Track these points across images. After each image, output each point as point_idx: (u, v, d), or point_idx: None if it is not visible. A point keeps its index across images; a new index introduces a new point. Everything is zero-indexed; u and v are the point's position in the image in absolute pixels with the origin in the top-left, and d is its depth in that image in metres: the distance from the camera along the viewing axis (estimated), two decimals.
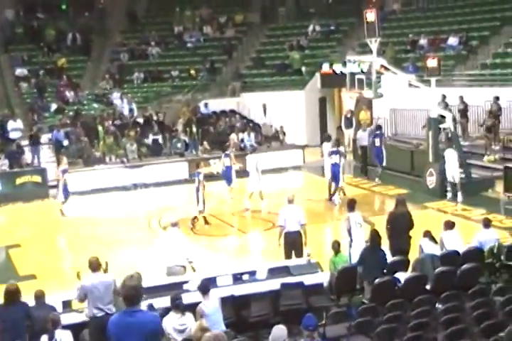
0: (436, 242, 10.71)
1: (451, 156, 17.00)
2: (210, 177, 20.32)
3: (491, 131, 19.38)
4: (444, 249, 10.60)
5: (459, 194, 16.76)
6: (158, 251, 11.71)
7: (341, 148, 17.79)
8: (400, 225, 11.55)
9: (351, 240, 11.39)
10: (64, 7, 31.99)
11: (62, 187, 17.79)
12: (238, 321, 9.36)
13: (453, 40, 24.56)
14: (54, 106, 25.29)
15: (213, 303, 8.38)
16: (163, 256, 11.21)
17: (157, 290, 9.74)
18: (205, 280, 9.17)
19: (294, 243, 11.91)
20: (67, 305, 9.45)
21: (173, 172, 21.09)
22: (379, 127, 20.26)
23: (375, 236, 10.36)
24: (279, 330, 6.74)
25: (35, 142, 21.65)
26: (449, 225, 10.98)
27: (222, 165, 18.12)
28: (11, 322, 8.07)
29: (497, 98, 19.44)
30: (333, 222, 16.00)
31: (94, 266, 8.81)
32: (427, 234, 10.80)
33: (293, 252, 11.89)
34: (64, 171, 18.04)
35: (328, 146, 18.03)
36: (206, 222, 16.05)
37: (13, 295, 8.20)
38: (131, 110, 24.81)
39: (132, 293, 5.58)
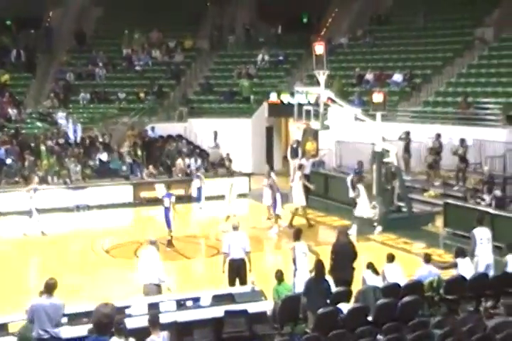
0: (378, 274, 10.94)
1: (362, 192, 17.50)
2: (154, 201, 20.33)
3: (432, 167, 19.99)
4: (385, 281, 10.83)
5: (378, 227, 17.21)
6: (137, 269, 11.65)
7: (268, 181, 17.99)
8: (344, 256, 11.73)
9: (296, 269, 11.48)
10: (8, 23, 31.57)
11: (35, 206, 17.54)
12: None
13: (397, 77, 25.31)
14: None
15: (162, 338, 8.23)
16: (140, 275, 11.26)
17: None
18: (156, 312, 9.04)
19: (238, 270, 12.00)
20: (2, 328, 9.23)
21: (118, 194, 20.92)
22: (322, 163, 20.68)
23: (320, 267, 10.49)
24: None
25: None
26: (390, 258, 11.25)
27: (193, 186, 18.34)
28: None
29: (438, 135, 20.09)
30: (278, 251, 16.10)
31: (51, 287, 8.60)
32: (370, 266, 11.02)
33: (237, 279, 11.95)
34: (35, 190, 17.84)
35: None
36: (170, 244, 15.98)
37: None
38: (75, 131, 24.51)
39: (105, 321, 5.46)
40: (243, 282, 11.81)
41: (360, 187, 17.45)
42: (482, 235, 11.97)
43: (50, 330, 8.47)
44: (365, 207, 17.31)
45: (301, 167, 18.56)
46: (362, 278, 10.99)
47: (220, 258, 12.56)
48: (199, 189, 19.13)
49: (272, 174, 18.48)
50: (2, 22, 31.08)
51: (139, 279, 11.27)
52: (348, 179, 18.34)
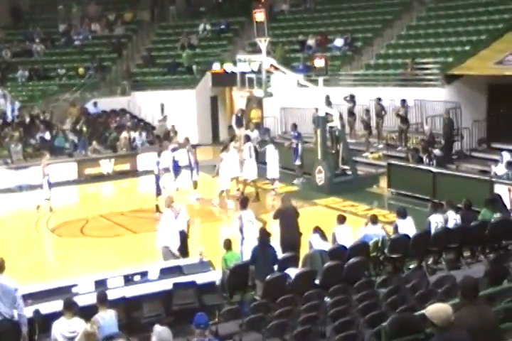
0: (325, 238, 10.98)
1: (271, 153, 17.65)
2: (99, 177, 20.05)
3: (369, 128, 20.16)
4: (336, 243, 10.89)
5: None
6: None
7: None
8: (289, 222, 11.78)
9: (243, 238, 11.50)
10: None
11: (48, 183, 17.09)
12: (130, 323, 9.22)
13: (339, 41, 25.27)
14: None
15: (110, 315, 8.12)
16: (158, 237, 11.44)
17: (44, 295, 9.46)
18: (103, 289, 8.94)
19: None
20: None
21: (62, 172, 20.48)
22: (267, 130, 20.59)
23: (264, 234, 10.49)
24: (165, 332, 6.67)
25: None
26: (341, 219, 11.31)
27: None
28: None
29: (379, 99, 20.21)
30: (225, 220, 16.09)
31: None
32: (317, 230, 11.05)
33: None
34: (44, 165, 17.44)
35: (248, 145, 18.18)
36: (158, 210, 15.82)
37: None
38: (13, 109, 23.86)
39: None
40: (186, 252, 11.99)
41: (271, 147, 17.61)
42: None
43: (2, 311, 8.28)
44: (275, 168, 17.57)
45: (248, 139, 18.39)
46: (309, 242, 11.04)
47: None
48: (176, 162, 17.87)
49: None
50: None
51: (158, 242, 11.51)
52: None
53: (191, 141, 19.91)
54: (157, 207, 15.91)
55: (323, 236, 11.00)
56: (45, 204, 17.06)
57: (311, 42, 25.78)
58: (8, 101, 24.32)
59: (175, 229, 11.66)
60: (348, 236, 11.11)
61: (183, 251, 11.91)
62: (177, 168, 17.81)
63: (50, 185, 17.26)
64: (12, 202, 19.05)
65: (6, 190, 19.68)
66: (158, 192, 16.24)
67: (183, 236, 12.03)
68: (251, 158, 17.55)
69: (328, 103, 19.69)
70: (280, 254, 10.65)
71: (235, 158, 17.57)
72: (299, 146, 18.91)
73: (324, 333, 7.84)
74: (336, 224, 11.29)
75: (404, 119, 19.36)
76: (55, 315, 8.08)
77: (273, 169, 18.03)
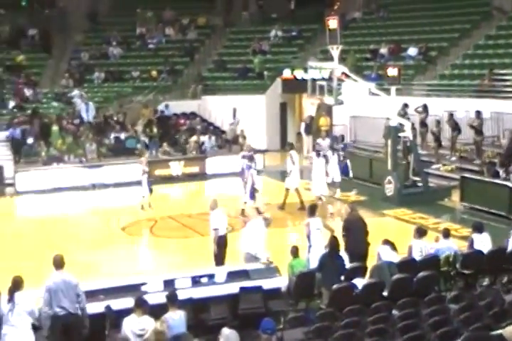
0: (396, 250, 10.83)
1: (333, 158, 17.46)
2: (168, 179, 20.41)
3: (438, 140, 19.83)
4: (412, 255, 10.70)
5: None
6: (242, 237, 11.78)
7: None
8: (357, 231, 11.68)
9: (310, 245, 11.47)
10: (24, 3, 31.53)
11: (144, 179, 17.56)
12: (197, 324, 9.33)
13: (413, 50, 24.97)
14: (12, 104, 24.85)
15: (179, 315, 8.26)
16: (242, 242, 11.47)
17: (115, 292, 9.67)
18: (174, 290, 9.08)
19: (226, 245, 12.29)
20: None
21: (133, 172, 20.88)
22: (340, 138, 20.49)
23: (334, 243, 10.45)
24: (233, 335, 6.74)
25: None
26: (421, 233, 11.09)
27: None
28: None
29: (451, 115, 19.83)
30: (293, 227, 16.09)
31: (58, 263, 8.68)
32: (387, 243, 10.91)
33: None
34: (142, 163, 17.87)
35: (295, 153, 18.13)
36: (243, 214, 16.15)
37: None
38: (88, 110, 24.47)
39: None
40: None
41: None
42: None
43: (67, 306, 8.52)
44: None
45: (318, 151, 18.14)
46: (377, 253, 10.91)
47: (233, 235, 12.58)
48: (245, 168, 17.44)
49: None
50: (17, 3, 31.01)
51: (241, 247, 11.50)
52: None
53: (260, 146, 20.13)
54: (243, 211, 16.06)
55: (394, 248, 10.85)
56: (144, 200, 17.33)
57: (383, 50, 25.58)
58: (84, 101, 24.94)
59: (260, 235, 11.61)
60: (427, 251, 10.88)
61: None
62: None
63: (150, 183, 17.56)
64: (85, 199, 19.59)
65: (80, 187, 20.25)
66: (252, 197, 16.38)
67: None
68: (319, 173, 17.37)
69: (405, 112, 19.46)
70: (347, 264, 10.60)
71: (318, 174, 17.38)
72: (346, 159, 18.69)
73: None
74: (412, 237, 11.05)
75: (478, 131, 18.92)
76: (125, 312, 8.26)
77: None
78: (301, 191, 17.37)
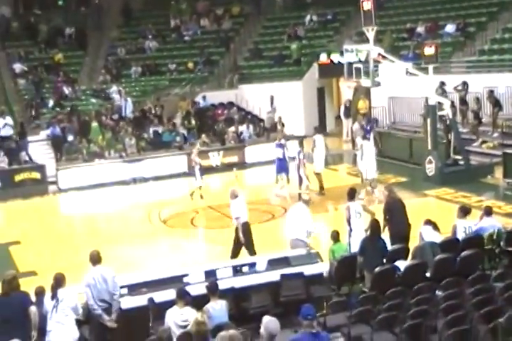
0: (438, 230, 10.61)
1: (368, 149, 16.89)
2: (209, 169, 20.44)
3: (479, 118, 19.36)
4: (456, 235, 10.46)
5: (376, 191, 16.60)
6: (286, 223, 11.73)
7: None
8: (398, 213, 11.48)
9: (351, 229, 11.34)
10: (60, 3, 31.94)
11: (196, 170, 17.66)
12: (238, 313, 9.30)
13: (450, 27, 24.39)
14: (51, 102, 25.21)
15: (220, 305, 8.27)
16: (287, 229, 11.39)
17: (157, 284, 9.72)
18: (214, 280, 9.10)
19: (249, 232, 12.25)
20: None
21: (173, 165, 21.04)
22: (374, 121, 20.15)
23: (375, 226, 10.30)
24: (272, 323, 6.67)
25: (21, 138, 21.73)
26: (465, 211, 10.81)
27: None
28: (10, 311, 7.89)
29: (491, 91, 19.31)
30: (332, 212, 15.94)
31: (95, 259, 8.83)
32: (429, 223, 10.70)
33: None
34: (195, 154, 17.96)
35: (320, 138, 17.96)
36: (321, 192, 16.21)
37: (9, 284, 8.05)
38: (127, 104, 24.64)
39: None
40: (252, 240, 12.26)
41: (367, 143, 16.99)
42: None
43: (107, 299, 8.66)
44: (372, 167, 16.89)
45: (365, 135, 17.75)
46: (419, 234, 10.70)
47: (274, 223, 12.50)
48: (279, 159, 17.47)
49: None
50: (54, 2, 31.43)
51: (286, 234, 11.44)
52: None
53: (299, 132, 19.97)
54: (299, 195, 16.00)
55: (436, 228, 10.63)
56: (197, 191, 17.41)
57: (420, 29, 25.07)
58: (123, 96, 25.12)
59: (304, 219, 11.48)
60: (471, 230, 10.60)
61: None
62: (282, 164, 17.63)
63: (202, 173, 17.61)
64: (126, 194, 19.78)
65: (121, 182, 20.45)
66: (300, 181, 16.36)
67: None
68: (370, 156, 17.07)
69: (443, 90, 19.05)
70: (389, 246, 10.42)
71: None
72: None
73: (435, 328, 7.58)
74: (455, 217, 10.80)
75: None
76: (168, 304, 8.29)
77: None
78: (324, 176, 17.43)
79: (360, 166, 17.23)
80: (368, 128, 17.93)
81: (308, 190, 16.22)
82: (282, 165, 17.33)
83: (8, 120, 22.25)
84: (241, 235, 12.16)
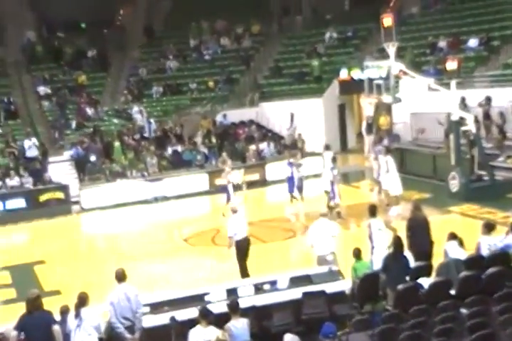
0: (463, 246, 10.41)
1: (391, 165, 16.79)
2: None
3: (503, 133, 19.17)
4: (480, 252, 10.28)
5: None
6: (308, 240, 11.78)
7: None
8: (421, 230, 11.33)
9: (373, 246, 11.22)
10: (83, 25, 32.43)
11: (229, 188, 17.82)
12: (260, 331, 9.23)
13: (473, 42, 24.30)
14: (74, 123, 25.44)
15: (242, 324, 8.22)
16: (314, 245, 11.43)
17: (179, 303, 9.70)
18: (235, 298, 9.07)
19: (247, 248, 12.42)
20: None
21: (194, 184, 21.08)
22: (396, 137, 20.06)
23: (398, 242, 10.14)
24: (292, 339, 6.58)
25: (44, 158, 22.06)
26: (490, 228, 10.62)
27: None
28: (34, 330, 8.00)
29: None
30: (354, 229, 15.80)
31: (120, 276, 8.88)
32: (454, 237, 10.49)
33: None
34: (227, 173, 18.08)
35: (329, 155, 17.99)
36: (339, 216, 16.11)
37: (32, 303, 8.16)
38: (149, 124, 24.80)
39: None
40: (247, 257, 12.40)
41: (390, 158, 16.87)
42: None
43: (130, 318, 8.65)
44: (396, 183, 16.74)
45: (387, 150, 17.81)
46: (444, 250, 10.52)
47: (295, 240, 12.43)
48: (290, 178, 17.77)
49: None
50: (77, 25, 31.94)
51: (313, 251, 11.49)
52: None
53: (319, 149, 19.87)
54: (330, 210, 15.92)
55: (461, 244, 10.44)
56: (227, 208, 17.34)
57: (442, 44, 25.01)
58: (145, 116, 25.28)
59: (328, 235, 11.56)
60: (496, 247, 10.40)
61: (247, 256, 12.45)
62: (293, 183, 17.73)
63: (233, 191, 17.73)
64: (148, 213, 19.83)
65: (143, 201, 20.55)
66: (333, 197, 16.40)
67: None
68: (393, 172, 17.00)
69: (464, 105, 18.91)
70: (412, 263, 10.26)
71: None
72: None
73: None
74: (480, 233, 10.61)
75: None
76: (190, 322, 8.27)
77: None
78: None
79: (384, 182, 17.04)
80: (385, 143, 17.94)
81: (338, 207, 16.16)
82: (291, 184, 17.41)
83: (34, 141, 22.57)
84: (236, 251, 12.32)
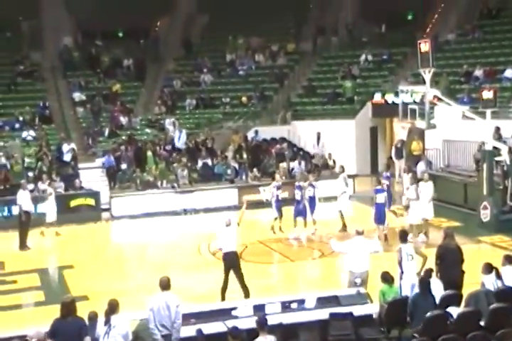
0: (500, 278, 10.36)
1: (427, 191, 16.59)
2: (258, 204, 20.50)
3: None
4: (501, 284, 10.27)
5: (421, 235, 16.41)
6: (345, 257, 11.93)
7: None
8: (451, 258, 11.32)
9: (402, 272, 11.20)
10: (120, 34, 32.93)
11: (276, 203, 17.71)
12: None
13: (509, 72, 24.25)
14: (108, 131, 25.78)
15: (270, 340, 8.26)
16: (348, 262, 11.62)
17: (206, 316, 9.77)
18: (264, 314, 9.10)
19: (231, 262, 12.44)
20: None
21: (223, 198, 21.24)
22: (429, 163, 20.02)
23: (426, 281, 10.05)
24: None
25: (75, 164, 22.45)
26: (509, 260, 10.65)
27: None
28: (66, 336, 8.09)
29: None
30: (385, 253, 15.77)
31: (164, 284, 8.99)
32: (492, 269, 10.45)
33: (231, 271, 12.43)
34: (278, 187, 17.90)
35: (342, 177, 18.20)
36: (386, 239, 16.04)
37: (67, 307, 8.28)
38: (180, 136, 24.99)
39: None
40: (237, 272, 12.37)
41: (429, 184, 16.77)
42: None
43: (169, 326, 8.75)
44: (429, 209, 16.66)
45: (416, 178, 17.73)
46: (481, 282, 10.48)
47: (324, 260, 12.46)
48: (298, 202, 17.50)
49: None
50: (115, 34, 32.44)
51: (346, 267, 11.62)
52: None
53: (350, 171, 19.88)
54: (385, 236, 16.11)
55: (498, 276, 10.39)
56: (275, 223, 17.51)
57: (478, 73, 25.00)
58: (177, 128, 25.55)
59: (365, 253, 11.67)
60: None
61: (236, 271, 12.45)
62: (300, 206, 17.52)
63: (278, 205, 17.60)
64: (177, 224, 20.01)
65: (172, 212, 20.72)
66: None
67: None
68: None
69: (499, 135, 18.89)
70: (442, 291, 10.25)
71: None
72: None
73: None
74: (500, 265, 10.64)
75: None
76: (216, 336, 8.36)
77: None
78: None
79: (414, 209, 16.93)
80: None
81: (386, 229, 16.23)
82: (299, 209, 17.27)
83: (73, 146, 22.97)
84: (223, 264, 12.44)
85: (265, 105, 28.43)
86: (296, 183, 17.79)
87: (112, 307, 8.42)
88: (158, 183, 21.96)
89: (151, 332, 8.76)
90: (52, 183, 20.05)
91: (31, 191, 19.02)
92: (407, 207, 16.79)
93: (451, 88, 24.64)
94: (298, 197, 17.35)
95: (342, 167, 18.76)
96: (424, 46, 18.76)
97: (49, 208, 18.55)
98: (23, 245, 17.20)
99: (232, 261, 12.42)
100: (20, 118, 25.56)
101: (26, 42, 30.54)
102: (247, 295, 12.32)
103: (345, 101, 27.53)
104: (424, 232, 16.73)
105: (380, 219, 16.35)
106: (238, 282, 12.42)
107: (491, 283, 10.22)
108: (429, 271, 10.46)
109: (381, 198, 16.37)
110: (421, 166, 20.51)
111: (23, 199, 17.45)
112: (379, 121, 26.65)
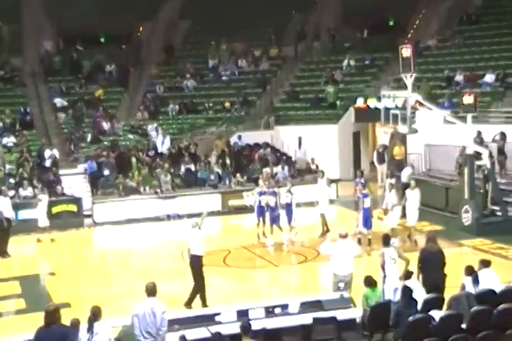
0: (478, 282, 10.44)
1: (414, 198, 16.72)
2: (242, 209, 20.54)
3: None
4: (478, 287, 10.35)
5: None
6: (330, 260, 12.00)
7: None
8: (433, 262, 11.38)
9: (385, 276, 11.26)
10: (102, 40, 32.80)
11: (257, 209, 17.45)
12: None
13: (489, 77, 24.48)
14: (90, 137, 25.64)
15: None
16: (332, 264, 11.73)
17: (189, 322, 9.75)
18: (247, 319, 9.12)
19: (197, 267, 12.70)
20: None
21: (207, 203, 21.18)
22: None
23: (408, 291, 10.02)
24: None
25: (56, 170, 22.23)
26: (485, 264, 10.77)
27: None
28: None
29: None
30: (366, 257, 15.83)
31: (150, 291, 8.94)
32: (472, 272, 10.52)
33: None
34: (260, 193, 17.63)
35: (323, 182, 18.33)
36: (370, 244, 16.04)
37: (51, 315, 8.19)
38: (163, 142, 24.95)
39: None
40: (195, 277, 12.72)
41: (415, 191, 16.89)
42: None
43: (153, 333, 8.69)
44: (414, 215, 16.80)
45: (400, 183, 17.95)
46: (461, 284, 10.54)
47: (307, 265, 12.47)
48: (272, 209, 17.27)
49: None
50: (96, 39, 32.29)
51: (333, 270, 11.73)
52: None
53: (333, 176, 19.94)
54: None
55: (475, 280, 10.45)
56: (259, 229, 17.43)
57: (458, 78, 25.19)
58: (160, 133, 25.48)
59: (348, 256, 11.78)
60: (493, 280, 10.49)
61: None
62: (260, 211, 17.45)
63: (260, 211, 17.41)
64: (160, 230, 19.93)
65: (155, 218, 20.65)
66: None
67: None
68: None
69: (480, 140, 19.05)
70: (424, 295, 10.29)
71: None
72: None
73: None
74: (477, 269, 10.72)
75: None
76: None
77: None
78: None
79: (395, 213, 17.00)
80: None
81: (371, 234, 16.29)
82: (274, 216, 17.14)
83: (55, 152, 22.80)
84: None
85: (248, 110, 28.42)
86: (270, 189, 17.54)
87: (95, 314, 8.37)
88: (141, 189, 21.88)
89: (137, 338, 8.69)
90: (43, 189, 19.96)
91: (11, 197, 18.84)
92: (386, 211, 16.86)
93: (432, 93, 24.81)
94: (272, 203, 17.16)
95: (321, 171, 18.87)
96: (406, 51, 18.91)
97: (40, 214, 18.44)
98: (2, 252, 17.03)
99: (197, 265, 12.59)
100: (1, 124, 25.35)
101: (6, 47, 30.29)
102: (187, 303, 12.36)
103: (328, 106, 27.60)
104: (407, 236, 16.81)
105: (366, 223, 16.38)
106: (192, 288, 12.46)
107: (471, 285, 10.29)
108: (408, 273, 10.51)
109: (367, 202, 16.40)
110: (407, 171, 20.58)
111: (4, 205, 17.30)
112: (361, 126, 26.77)
